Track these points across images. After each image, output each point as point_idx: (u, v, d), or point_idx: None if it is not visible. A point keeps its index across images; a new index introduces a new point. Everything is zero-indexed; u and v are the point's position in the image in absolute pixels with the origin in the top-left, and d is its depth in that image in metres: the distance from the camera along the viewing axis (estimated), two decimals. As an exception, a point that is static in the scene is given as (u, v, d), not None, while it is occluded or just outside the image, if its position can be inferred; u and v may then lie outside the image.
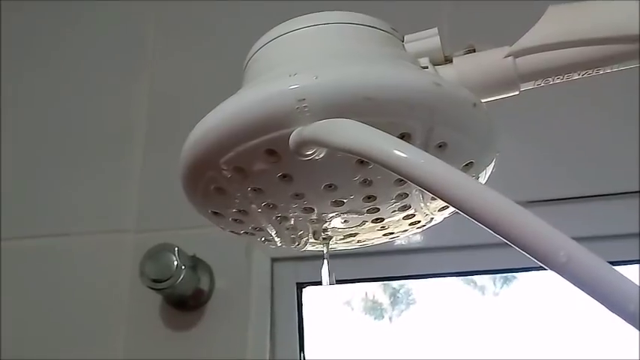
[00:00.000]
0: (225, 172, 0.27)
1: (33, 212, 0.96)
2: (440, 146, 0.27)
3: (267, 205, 0.29)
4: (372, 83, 0.25)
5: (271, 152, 0.26)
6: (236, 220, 0.31)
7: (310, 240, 0.34)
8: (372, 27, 0.30)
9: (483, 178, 0.31)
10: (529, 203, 0.75)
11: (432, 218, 0.33)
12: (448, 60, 0.31)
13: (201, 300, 0.85)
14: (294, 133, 0.25)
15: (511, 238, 0.19)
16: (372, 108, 0.25)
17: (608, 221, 0.80)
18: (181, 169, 0.29)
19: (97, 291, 0.89)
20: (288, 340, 0.85)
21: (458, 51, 0.32)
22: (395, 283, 0.94)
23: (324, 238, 0.33)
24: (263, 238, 0.34)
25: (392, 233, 0.34)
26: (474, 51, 0.32)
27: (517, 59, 0.30)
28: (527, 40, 0.30)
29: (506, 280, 0.90)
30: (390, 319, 0.93)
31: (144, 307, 0.85)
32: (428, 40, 0.31)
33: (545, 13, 0.30)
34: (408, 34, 0.32)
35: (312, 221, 0.31)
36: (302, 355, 0.85)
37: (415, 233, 0.35)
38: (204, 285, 0.84)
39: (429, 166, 0.21)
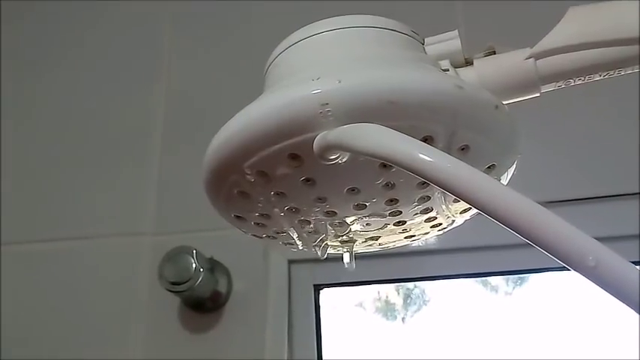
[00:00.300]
0: (248, 176, 0.28)
1: (52, 215, 0.97)
2: (462, 149, 0.27)
3: (290, 208, 0.30)
4: (396, 87, 0.25)
5: (294, 156, 0.26)
6: (258, 223, 0.32)
7: (332, 243, 0.34)
8: (393, 30, 0.30)
9: (505, 180, 0.31)
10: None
11: (454, 220, 0.33)
12: (469, 62, 0.31)
13: (219, 302, 0.85)
14: (318, 137, 0.25)
15: (539, 242, 0.19)
16: (395, 112, 0.25)
17: (609, 223, 0.80)
18: (205, 174, 0.29)
19: (115, 293, 0.89)
20: (306, 341, 0.85)
21: (477, 52, 0.32)
22: (409, 284, 0.94)
23: (345, 241, 0.34)
24: (284, 242, 0.34)
25: (413, 236, 0.34)
26: (494, 53, 0.32)
27: (538, 61, 0.30)
28: (548, 41, 0.30)
29: (518, 280, 0.90)
30: (403, 319, 0.93)
31: (162, 309, 0.86)
32: (448, 42, 0.31)
33: (566, 14, 0.30)
34: (422, 34, 0.32)
35: (334, 225, 0.31)
36: (320, 356, 0.85)
37: (436, 235, 0.35)
38: (221, 287, 0.85)
39: (455, 170, 0.21)
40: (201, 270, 0.78)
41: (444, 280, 0.90)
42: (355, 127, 0.24)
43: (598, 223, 0.79)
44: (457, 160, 0.22)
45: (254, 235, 0.33)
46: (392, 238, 0.34)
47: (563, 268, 0.20)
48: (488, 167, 0.29)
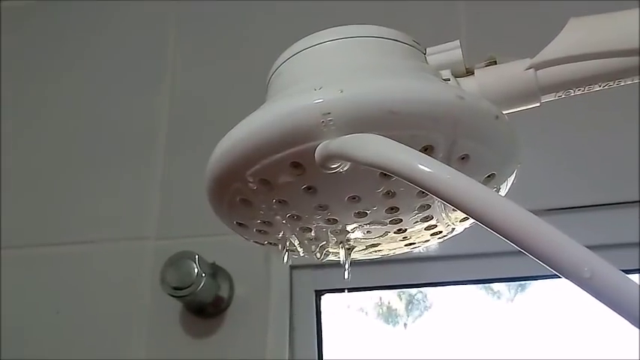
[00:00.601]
0: (251, 184, 0.28)
1: (55, 219, 0.97)
2: (462, 158, 0.27)
3: (292, 216, 0.30)
4: (398, 97, 0.25)
5: (296, 165, 0.27)
6: (260, 230, 0.32)
7: (332, 250, 0.34)
8: (395, 40, 0.30)
9: (505, 189, 0.31)
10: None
11: (454, 229, 0.33)
12: (469, 72, 0.31)
13: (220, 307, 0.85)
14: (320, 146, 0.25)
15: (535, 253, 0.19)
16: (397, 121, 0.25)
17: (608, 230, 0.80)
18: (207, 182, 0.29)
19: (118, 297, 0.90)
20: (307, 346, 0.85)
21: (478, 62, 0.32)
22: (411, 290, 0.94)
23: (347, 249, 0.34)
24: (286, 249, 0.34)
25: (413, 243, 0.34)
26: (495, 63, 0.32)
27: (538, 71, 0.30)
28: (548, 52, 0.30)
29: (520, 287, 0.90)
30: (405, 325, 0.93)
31: (164, 314, 0.86)
32: (450, 52, 0.31)
33: (567, 24, 0.30)
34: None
35: (335, 232, 0.32)
36: (321, 361, 0.85)
37: (436, 243, 0.35)
38: (223, 292, 0.85)
39: (453, 181, 0.22)
40: (204, 275, 0.79)
41: (447, 286, 0.90)
42: (356, 137, 0.25)
43: (598, 230, 0.79)
44: (455, 171, 0.22)
45: (256, 242, 0.34)
46: (392, 246, 0.34)
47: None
48: (488, 176, 0.29)
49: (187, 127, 0.98)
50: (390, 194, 0.28)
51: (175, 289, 0.78)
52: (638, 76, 0.30)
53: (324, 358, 0.86)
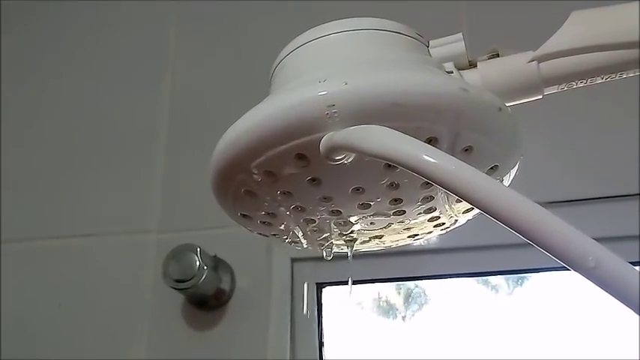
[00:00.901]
0: (255, 175, 0.28)
1: (57, 213, 0.97)
2: (466, 150, 0.28)
3: (296, 207, 0.30)
4: (401, 89, 0.25)
5: (301, 157, 0.27)
6: (264, 222, 0.32)
7: (336, 242, 0.35)
8: (398, 33, 0.31)
9: (507, 180, 0.32)
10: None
11: (457, 220, 0.34)
12: (472, 65, 0.31)
13: (222, 300, 0.86)
14: (324, 138, 0.25)
15: (540, 243, 0.19)
16: (401, 113, 0.25)
17: (609, 223, 0.80)
18: (212, 173, 0.29)
19: (119, 291, 0.90)
20: (309, 339, 0.86)
21: (481, 55, 0.32)
22: (409, 283, 0.95)
23: (349, 240, 0.34)
24: (289, 240, 0.34)
25: (417, 235, 0.35)
26: (498, 55, 0.32)
27: (541, 64, 0.30)
28: (551, 45, 0.30)
29: (519, 280, 0.90)
30: (404, 318, 0.93)
31: (166, 306, 0.86)
32: (453, 45, 0.31)
33: (569, 17, 0.31)
34: (426, 34, 0.32)
35: (338, 223, 0.32)
36: (321, 354, 0.86)
37: (439, 235, 0.35)
38: (225, 285, 0.85)
39: (458, 171, 0.22)
40: (205, 268, 0.79)
41: (445, 279, 0.91)
42: (361, 129, 0.25)
43: (598, 223, 0.79)
44: (460, 161, 0.23)
45: (260, 234, 0.34)
46: (395, 237, 0.35)
47: (563, 268, 0.20)
48: (491, 168, 0.29)
49: (189, 120, 0.98)
50: (394, 186, 0.29)
51: (177, 281, 0.78)
52: (639, 69, 0.30)
53: (324, 350, 0.86)
